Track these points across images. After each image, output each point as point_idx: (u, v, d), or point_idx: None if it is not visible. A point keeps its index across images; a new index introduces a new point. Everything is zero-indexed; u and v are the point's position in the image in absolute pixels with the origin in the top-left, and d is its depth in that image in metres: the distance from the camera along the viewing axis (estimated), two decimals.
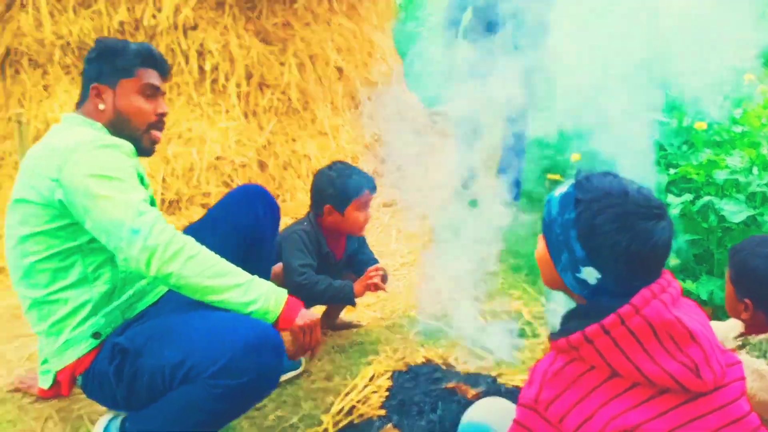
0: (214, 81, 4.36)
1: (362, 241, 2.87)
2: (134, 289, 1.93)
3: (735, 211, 2.56)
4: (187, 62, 4.29)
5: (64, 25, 4.20)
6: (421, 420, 2.09)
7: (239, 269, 1.77)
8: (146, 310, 1.95)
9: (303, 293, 2.57)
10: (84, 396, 2.25)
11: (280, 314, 1.77)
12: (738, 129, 3.12)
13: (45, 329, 1.84)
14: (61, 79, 4.23)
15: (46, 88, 4.25)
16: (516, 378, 2.41)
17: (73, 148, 1.75)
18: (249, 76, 4.44)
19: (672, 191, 3.21)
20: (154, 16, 4.23)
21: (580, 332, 1.28)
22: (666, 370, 1.25)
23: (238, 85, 4.38)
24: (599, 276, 1.33)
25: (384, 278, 2.59)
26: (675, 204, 2.84)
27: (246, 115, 4.47)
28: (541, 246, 1.47)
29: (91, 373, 1.84)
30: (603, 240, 1.31)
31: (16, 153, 3.90)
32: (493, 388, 2.26)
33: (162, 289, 2.03)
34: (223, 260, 1.75)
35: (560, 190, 1.42)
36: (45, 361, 2.04)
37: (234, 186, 4.09)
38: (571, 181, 1.42)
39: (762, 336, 1.70)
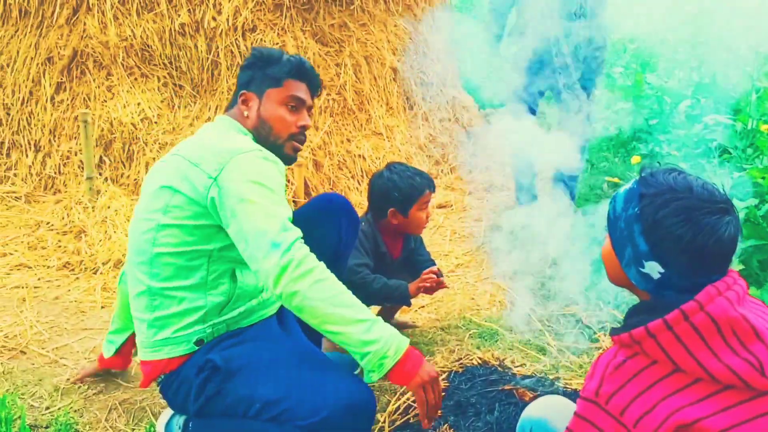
0: None
1: (419, 242, 2.87)
2: (245, 307, 1.94)
3: None
4: None
5: (128, 27, 4.33)
6: (478, 421, 2.09)
7: (365, 306, 1.72)
8: (246, 328, 1.94)
9: (359, 292, 2.59)
10: (148, 389, 2.32)
11: (396, 363, 1.67)
12: None
13: (150, 319, 1.86)
14: (124, 80, 4.36)
15: (110, 89, 4.38)
16: (573, 381, 2.38)
17: (237, 153, 1.78)
18: None
19: (736, 195, 3.13)
20: (214, 18, 4.32)
21: (643, 327, 1.28)
22: (729, 367, 1.24)
23: None
24: (663, 270, 1.33)
25: (439, 277, 2.58)
26: (739, 208, 2.77)
27: None
28: (606, 243, 1.48)
29: (176, 376, 1.86)
30: (666, 233, 1.31)
31: (81, 152, 4.04)
32: (551, 391, 2.24)
33: (267, 312, 2.03)
34: (350, 292, 1.72)
35: (625, 187, 1.42)
36: (115, 332, 2.23)
37: (290, 186, 4.14)
38: (636, 177, 1.42)
39: None
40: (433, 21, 5.23)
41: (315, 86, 2.06)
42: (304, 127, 2.04)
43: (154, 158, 4.21)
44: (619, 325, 1.39)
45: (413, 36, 4.99)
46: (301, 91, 2.01)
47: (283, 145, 2.01)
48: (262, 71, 2.00)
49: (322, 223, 2.14)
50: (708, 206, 1.30)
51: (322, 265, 1.71)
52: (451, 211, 4.40)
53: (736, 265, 2.73)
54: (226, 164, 1.76)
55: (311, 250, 1.92)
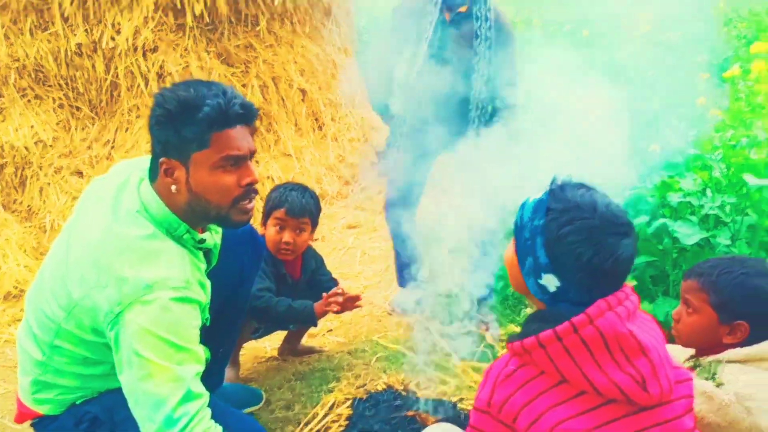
0: None
1: (320, 262, 2.84)
2: None
3: (688, 234, 2.60)
4: (147, 84, 4.25)
5: (20, 47, 4.14)
6: None
7: None
8: None
9: (264, 317, 2.55)
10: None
11: None
12: (691, 152, 3.19)
13: (34, 378, 1.72)
14: (17, 102, 4.16)
15: (1, 111, 4.17)
16: None
17: (148, 291, 1.53)
18: None
19: (628, 212, 3.25)
20: (112, 38, 4.19)
21: (534, 337, 1.32)
22: (613, 381, 1.29)
23: None
24: (559, 284, 1.37)
25: (352, 299, 2.55)
26: None
27: None
28: (510, 248, 1.51)
29: (52, 420, 1.75)
30: (567, 250, 1.35)
31: None
32: (454, 414, 2.25)
33: None
34: None
35: (535, 197, 1.45)
36: None
37: None
38: (547, 188, 1.45)
39: (711, 357, 1.72)
40: (340, 42, 5.25)
41: (250, 120, 1.69)
42: (250, 184, 1.70)
43: (48, 183, 4.03)
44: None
45: (321, 57, 4.99)
46: (236, 142, 1.64)
47: (228, 215, 1.71)
48: (177, 134, 1.61)
49: (225, 251, 1.97)
50: (610, 228, 1.34)
51: None
52: (362, 231, 4.40)
53: (629, 281, 2.83)
54: (132, 305, 1.52)
55: (214, 278, 1.84)
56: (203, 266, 1.81)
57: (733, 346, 1.70)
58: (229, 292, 2.09)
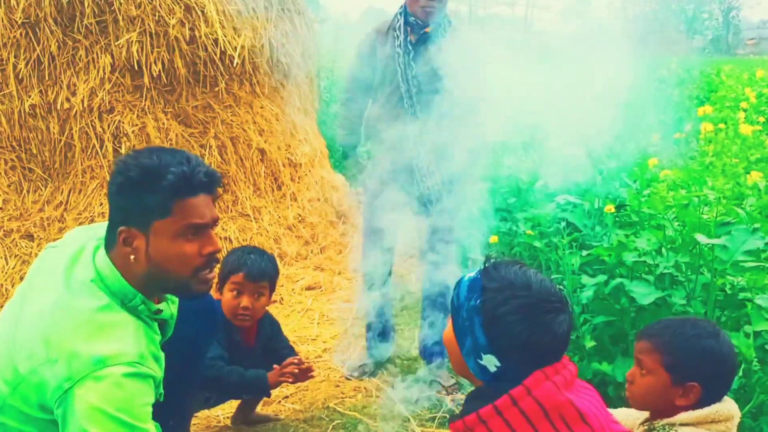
0: None
1: (277, 329, 2.77)
2: None
3: (644, 293, 2.60)
4: (102, 145, 4.20)
5: None
6: None
7: None
8: None
9: (215, 387, 2.46)
10: None
11: None
12: (645, 210, 3.23)
13: None
14: None
15: None
16: None
17: (99, 366, 1.46)
18: None
19: (587, 272, 3.26)
20: (68, 99, 4.15)
21: (475, 413, 1.32)
22: None
23: None
24: (499, 364, 1.37)
25: (305, 371, 2.49)
26: (589, 285, 2.88)
27: None
28: (448, 328, 1.51)
29: None
30: (505, 330, 1.35)
31: None
32: None
33: None
34: None
35: (470, 275, 1.45)
36: None
37: None
38: (480, 267, 1.45)
39: (665, 420, 1.70)
40: (300, 102, 5.28)
41: (212, 190, 1.66)
42: (212, 254, 1.65)
43: None
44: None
45: (280, 117, 5.00)
46: (200, 210, 1.61)
47: (188, 283, 1.66)
48: (139, 199, 1.57)
49: (179, 320, 1.88)
50: (545, 305, 1.36)
51: None
52: (321, 292, 4.34)
53: (588, 342, 2.82)
54: (83, 381, 1.45)
55: (168, 349, 1.75)
56: (158, 338, 1.73)
57: (686, 408, 1.68)
58: (183, 364, 2.00)
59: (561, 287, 2.96)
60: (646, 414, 1.81)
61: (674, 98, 9.93)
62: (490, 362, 1.37)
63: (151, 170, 1.56)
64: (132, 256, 1.60)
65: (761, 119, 6.48)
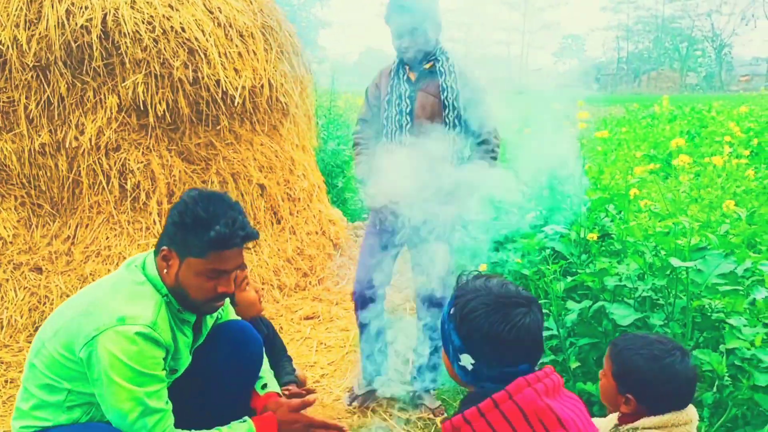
0: (135, 199, 4.44)
1: (273, 331, 2.96)
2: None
3: (623, 315, 2.74)
4: (108, 182, 4.37)
5: None
6: None
7: None
8: None
9: None
10: None
11: None
12: (629, 239, 3.38)
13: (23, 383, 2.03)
14: None
15: None
16: None
17: (121, 320, 1.88)
18: (171, 194, 4.54)
19: (574, 298, 3.41)
20: (76, 138, 4.33)
21: (461, 414, 1.44)
22: None
23: (159, 203, 4.47)
24: (473, 362, 1.50)
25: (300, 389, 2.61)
26: (574, 309, 3.02)
27: None
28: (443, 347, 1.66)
29: None
30: (472, 326, 1.50)
31: None
32: None
33: None
34: None
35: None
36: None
37: None
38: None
39: (629, 425, 1.84)
40: (298, 139, 5.47)
41: (241, 245, 2.01)
42: (224, 294, 2.03)
43: (7, 279, 4.05)
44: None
45: (279, 154, 5.19)
46: (227, 262, 1.98)
47: (199, 306, 2.06)
48: (184, 238, 1.96)
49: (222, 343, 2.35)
50: (504, 300, 1.50)
51: None
52: (319, 322, 4.47)
53: (573, 363, 2.95)
54: (106, 331, 1.86)
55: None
56: (186, 339, 2.13)
57: (629, 415, 1.84)
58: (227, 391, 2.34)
59: (548, 312, 3.12)
60: (615, 421, 1.94)
61: (666, 133, 10.14)
62: (467, 361, 1.51)
63: (200, 222, 1.93)
64: (165, 270, 2.01)
65: (746, 153, 6.68)
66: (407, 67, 3.08)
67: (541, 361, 1.69)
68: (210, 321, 2.31)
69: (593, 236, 3.37)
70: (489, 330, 1.48)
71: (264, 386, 2.42)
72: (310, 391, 2.57)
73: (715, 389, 2.47)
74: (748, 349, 2.47)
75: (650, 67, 64.80)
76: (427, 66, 3.06)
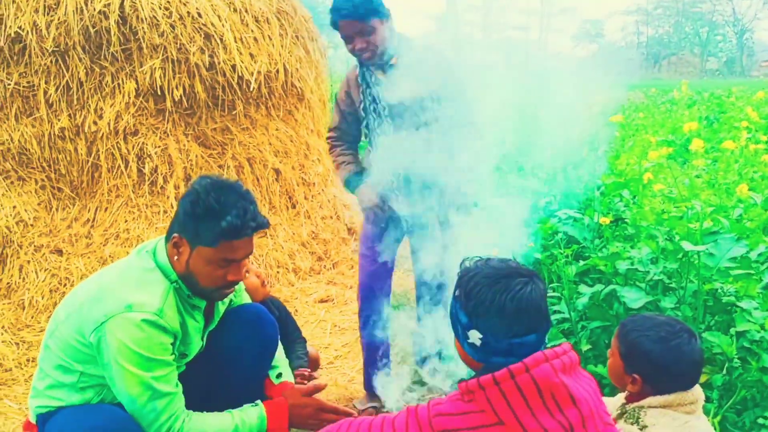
0: (153, 183, 4.51)
1: (285, 312, 3.01)
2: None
3: (634, 298, 2.76)
4: (126, 165, 4.44)
5: (5, 131, 4.33)
6: None
7: (225, 421, 2.05)
8: None
9: None
10: None
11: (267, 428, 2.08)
12: (643, 224, 3.40)
13: (39, 364, 2.09)
14: (0, 184, 4.31)
15: None
16: None
17: (128, 307, 1.91)
18: (187, 178, 4.60)
19: (586, 282, 3.43)
20: (95, 123, 4.40)
21: (476, 379, 1.48)
22: (543, 426, 1.42)
23: (177, 187, 4.53)
24: (481, 336, 1.53)
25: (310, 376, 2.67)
26: (585, 293, 3.04)
27: None
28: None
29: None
30: (476, 301, 1.53)
31: None
32: None
33: None
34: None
35: None
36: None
37: None
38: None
39: (635, 404, 1.87)
40: (313, 124, 5.51)
41: (251, 234, 2.01)
42: (234, 282, 2.04)
43: (28, 261, 4.14)
44: None
45: (294, 138, 5.23)
46: (237, 251, 1.98)
47: (209, 293, 2.08)
48: (196, 226, 1.95)
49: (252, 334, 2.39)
50: (505, 272, 1.54)
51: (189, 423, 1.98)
52: (333, 305, 4.52)
53: (584, 346, 2.97)
54: (114, 317, 1.89)
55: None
56: (197, 324, 2.16)
57: (635, 395, 1.88)
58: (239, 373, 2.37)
59: (560, 295, 3.14)
60: (623, 400, 1.97)
61: (684, 119, 10.06)
62: (475, 337, 1.54)
63: (211, 212, 1.92)
64: (176, 257, 2.01)
65: (764, 138, 6.62)
66: (372, 69, 2.88)
67: (552, 344, 1.71)
68: (222, 306, 2.34)
69: (606, 220, 3.39)
70: (492, 300, 1.51)
71: (279, 375, 2.45)
72: (313, 378, 2.65)
73: (724, 371, 2.49)
74: (758, 332, 2.48)
75: (670, 51, 64.08)
76: (393, 61, 2.83)
